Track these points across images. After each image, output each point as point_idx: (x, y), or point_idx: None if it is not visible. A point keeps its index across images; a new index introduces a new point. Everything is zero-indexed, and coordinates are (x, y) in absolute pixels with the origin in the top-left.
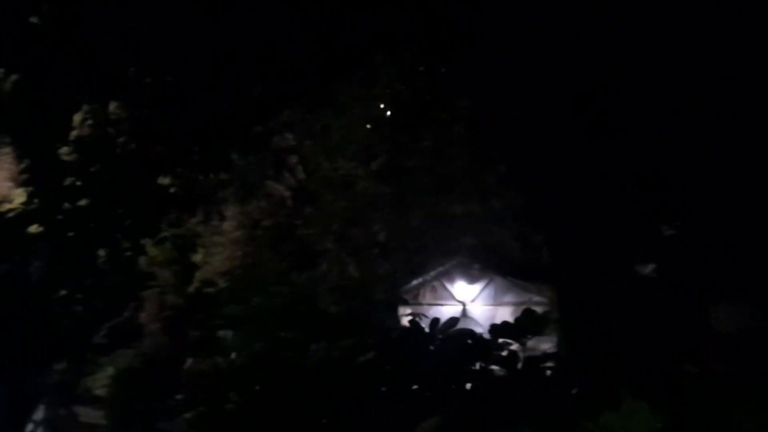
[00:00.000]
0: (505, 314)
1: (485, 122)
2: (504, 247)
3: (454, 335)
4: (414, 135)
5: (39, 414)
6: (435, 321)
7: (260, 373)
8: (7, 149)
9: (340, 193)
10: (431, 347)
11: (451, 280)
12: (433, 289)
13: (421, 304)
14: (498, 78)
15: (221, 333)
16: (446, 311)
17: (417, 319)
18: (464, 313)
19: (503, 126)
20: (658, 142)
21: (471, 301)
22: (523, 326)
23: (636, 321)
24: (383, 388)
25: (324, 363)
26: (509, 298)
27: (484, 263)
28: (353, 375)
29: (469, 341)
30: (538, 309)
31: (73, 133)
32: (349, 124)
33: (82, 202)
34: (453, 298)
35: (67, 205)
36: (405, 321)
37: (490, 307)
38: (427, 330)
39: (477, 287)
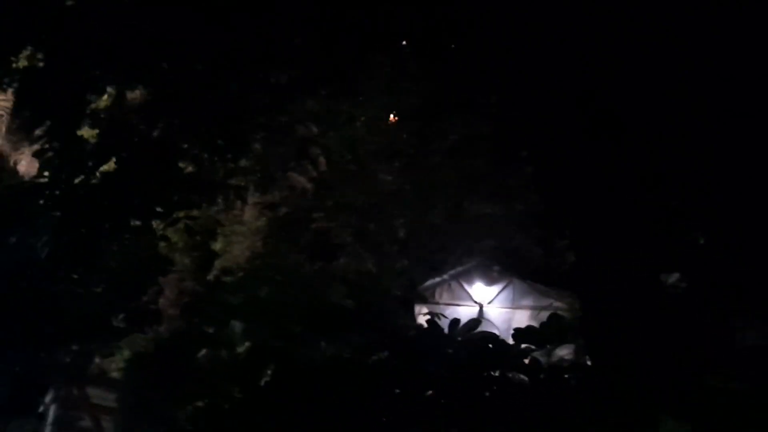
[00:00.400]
0: (523, 318)
1: (512, 121)
2: (526, 251)
3: (475, 339)
4: (440, 130)
5: (50, 394)
6: (455, 322)
7: (264, 368)
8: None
9: (361, 186)
10: (449, 350)
11: (470, 281)
12: (451, 289)
13: (437, 303)
14: (528, 76)
15: (234, 324)
16: (463, 312)
17: (436, 319)
18: (481, 314)
19: (531, 126)
20: (692, 146)
21: (488, 303)
22: (549, 332)
23: (662, 332)
24: (396, 391)
25: (334, 361)
26: (528, 301)
27: (504, 265)
28: (364, 375)
29: (490, 345)
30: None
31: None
32: (374, 117)
33: (94, 180)
34: (470, 298)
35: (79, 178)
36: (420, 319)
37: (508, 309)
38: (445, 331)
39: (495, 289)
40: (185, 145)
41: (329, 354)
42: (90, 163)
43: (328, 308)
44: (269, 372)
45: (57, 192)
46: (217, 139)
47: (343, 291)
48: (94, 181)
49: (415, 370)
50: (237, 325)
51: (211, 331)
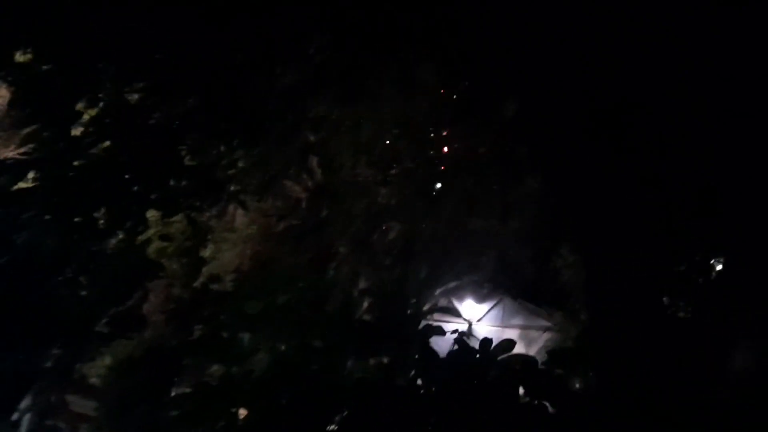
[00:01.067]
0: (512, 337)
1: (521, 128)
2: (518, 269)
3: (509, 362)
4: (445, 139)
5: (27, 401)
6: (487, 342)
7: (285, 386)
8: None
9: (361, 197)
10: (481, 373)
11: (460, 298)
12: (441, 305)
13: (426, 319)
14: (533, 80)
15: (227, 334)
16: (451, 328)
17: (464, 338)
18: (470, 332)
19: (540, 133)
20: (712, 159)
21: (477, 321)
22: (586, 356)
23: (668, 351)
24: (427, 418)
25: (362, 382)
26: (517, 320)
27: (495, 283)
28: (393, 399)
29: (518, 367)
30: (547, 335)
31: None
32: (380, 122)
33: (93, 151)
34: (459, 315)
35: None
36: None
37: (497, 328)
38: (477, 354)
39: (485, 307)
40: (188, 138)
41: (351, 372)
42: (86, 141)
43: (355, 324)
44: (288, 390)
45: (48, 169)
46: (225, 128)
47: (359, 303)
48: (90, 154)
49: (445, 394)
50: (248, 338)
51: (210, 341)
